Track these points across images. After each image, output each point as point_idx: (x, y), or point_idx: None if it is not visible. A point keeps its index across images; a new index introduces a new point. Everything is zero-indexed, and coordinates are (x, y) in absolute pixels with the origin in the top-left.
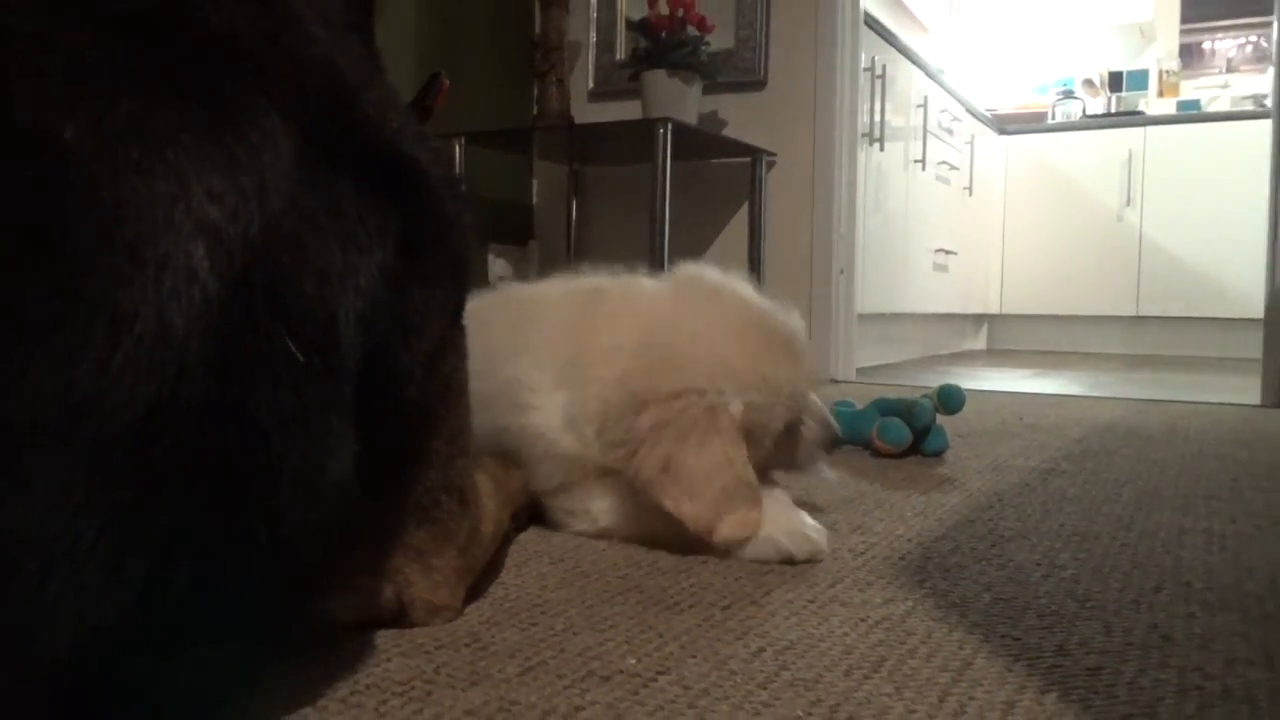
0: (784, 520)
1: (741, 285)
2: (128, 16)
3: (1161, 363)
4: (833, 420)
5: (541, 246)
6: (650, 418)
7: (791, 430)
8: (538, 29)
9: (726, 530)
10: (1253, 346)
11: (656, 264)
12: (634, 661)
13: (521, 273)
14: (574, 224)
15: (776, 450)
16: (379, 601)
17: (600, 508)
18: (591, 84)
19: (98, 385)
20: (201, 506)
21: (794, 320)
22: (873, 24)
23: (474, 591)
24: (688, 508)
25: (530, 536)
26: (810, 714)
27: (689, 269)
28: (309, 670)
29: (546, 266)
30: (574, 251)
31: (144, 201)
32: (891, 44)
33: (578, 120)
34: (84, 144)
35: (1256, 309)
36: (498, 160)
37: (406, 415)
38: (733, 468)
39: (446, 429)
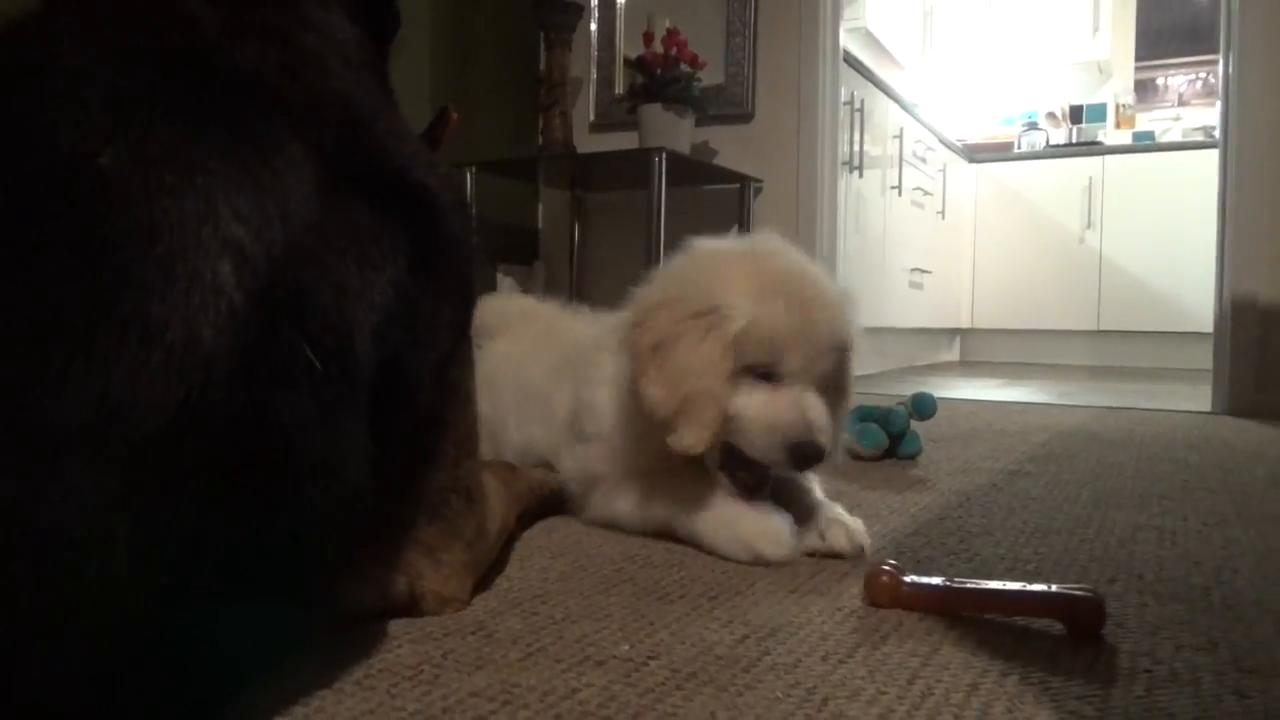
0: (760, 523)
1: (793, 251)
2: (161, 53)
3: (1120, 373)
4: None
5: (546, 266)
6: (660, 313)
7: (788, 379)
8: (542, 66)
9: (685, 436)
10: (1204, 358)
11: None
12: (627, 647)
13: (528, 291)
14: (576, 246)
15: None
16: (392, 592)
17: (624, 501)
18: (592, 116)
19: (131, 390)
20: (227, 503)
21: (829, 285)
22: (852, 62)
23: (481, 584)
24: (656, 391)
25: (534, 534)
26: (789, 695)
27: (762, 236)
28: (326, 653)
29: (551, 285)
30: (576, 271)
31: (175, 221)
32: (869, 80)
33: (580, 150)
34: (120, 168)
35: (1207, 324)
36: (506, 187)
37: (417, 420)
38: (709, 376)
39: (454, 433)
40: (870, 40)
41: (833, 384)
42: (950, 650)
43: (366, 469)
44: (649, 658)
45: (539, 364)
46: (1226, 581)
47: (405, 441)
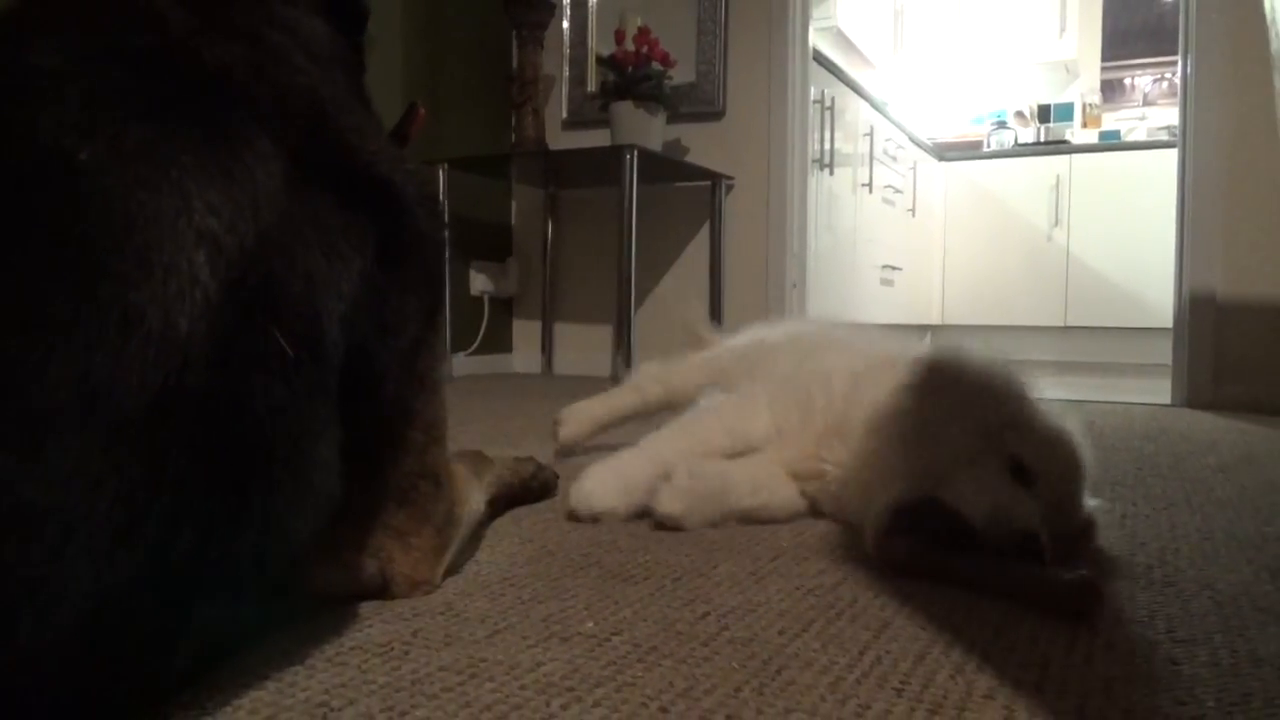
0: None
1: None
2: (134, 53)
3: (1086, 368)
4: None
5: (519, 263)
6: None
7: None
8: (514, 64)
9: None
10: (1166, 353)
11: (624, 278)
12: (591, 625)
13: (501, 287)
14: (550, 242)
15: None
16: (363, 576)
17: None
18: (565, 114)
19: (111, 375)
20: (203, 482)
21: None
22: (822, 60)
23: (451, 569)
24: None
25: (503, 523)
26: (745, 666)
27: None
28: (297, 633)
29: (524, 282)
30: (550, 268)
31: (152, 214)
32: (840, 78)
33: (552, 147)
34: (99, 164)
35: (1170, 319)
36: (479, 184)
37: (385, 407)
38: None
39: (422, 420)
40: (841, 39)
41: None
42: (902, 623)
43: (336, 452)
44: (612, 634)
45: None
46: (1169, 561)
47: (374, 428)
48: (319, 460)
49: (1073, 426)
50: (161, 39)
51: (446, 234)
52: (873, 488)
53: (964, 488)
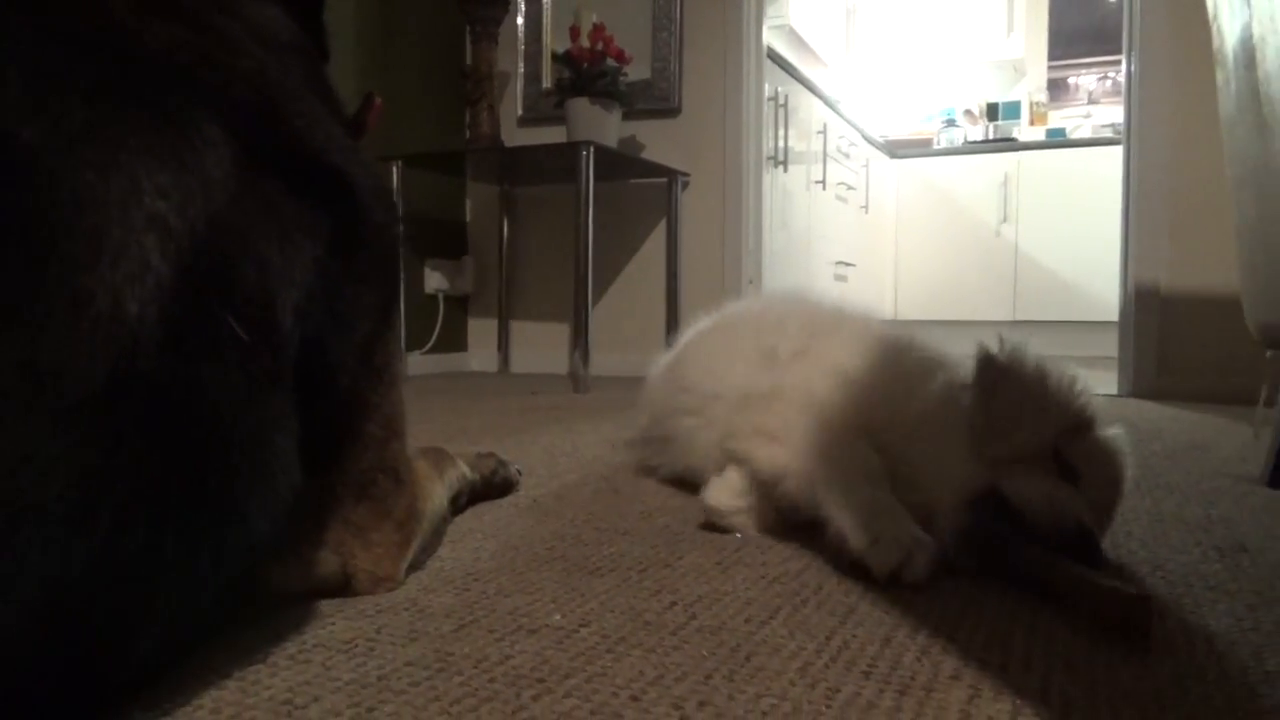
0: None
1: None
2: (76, 35)
3: None
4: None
5: (475, 260)
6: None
7: None
8: (468, 59)
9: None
10: (1111, 346)
11: (581, 275)
12: (559, 617)
13: (456, 285)
14: (505, 239)
15: None
16: (324, 572)
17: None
18: (520, 111)
19: (58, 359)
20: (159, 469)
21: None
22: (776, 58)
23: (414, 565)
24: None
25: (465, 518)
26: (714, 654)
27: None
28: (260, 631)
29: (480, 279)
30: (506, 265)
31: (101, 196)
32: (793, 76)
33: (507, 144)
34: (44, 144)
35: (1112, 313)
36: (433, 181)
37: (341, 401)
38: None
39: (380, 415)
40: (794, 38)
41: None
42: (867, 609)
43: (294, 443)
44: (580, 625)
45: None
46: (1122, 544)
47: (331, 422)
48: (278, 450)
49: (1121, 435)
50: (103, 20)
51: (401, 228)
52: (933, 480)
53: (1018, 483)
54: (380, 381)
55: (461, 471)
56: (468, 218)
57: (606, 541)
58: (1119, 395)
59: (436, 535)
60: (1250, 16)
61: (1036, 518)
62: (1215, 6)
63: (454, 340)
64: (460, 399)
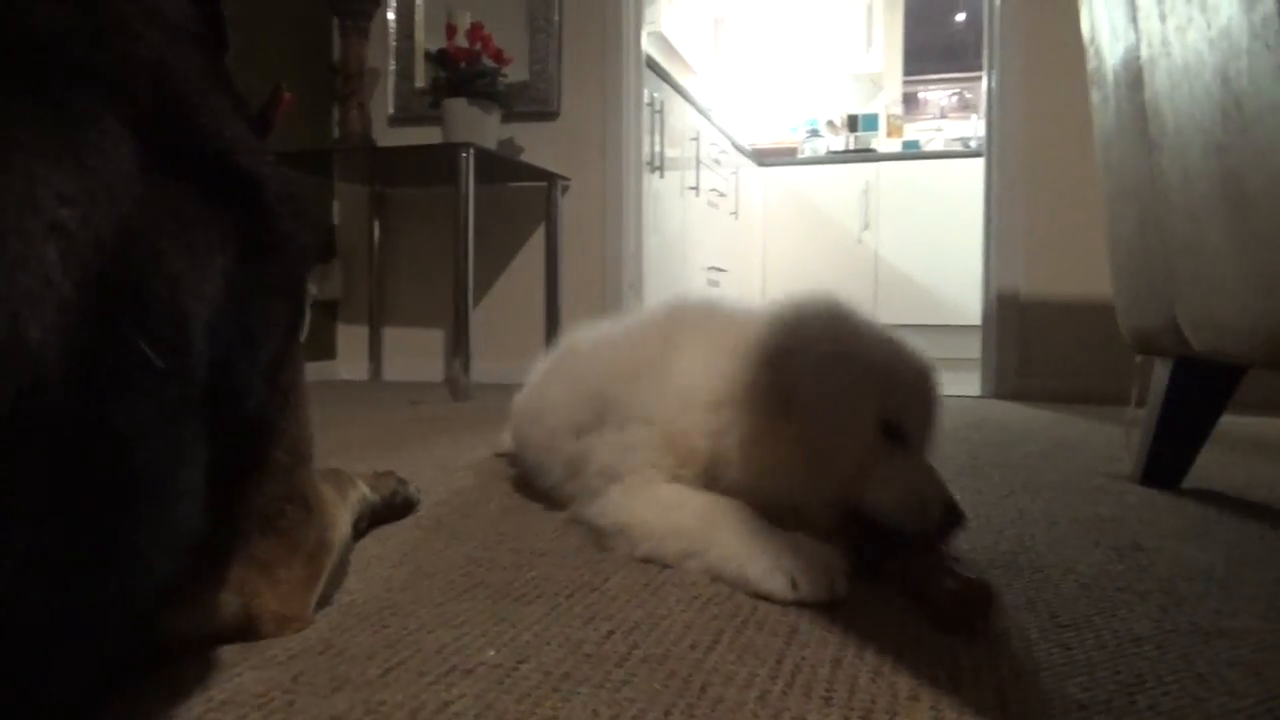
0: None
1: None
2: None
3: None
4: None
5: (344, 264)
6: (791, 356)
7: None
8: (336, 55)
9: (820, 489)
10: (968, 348)
11: (461, 280)
12: (493, 653)
13: (324, 290)
14: (377, 242)
15: None
16: (225, 616)
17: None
18: (392, 109)
19: None
20: (57, 516)
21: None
22: (651, 64)
23: (321, 599)
24: (776, 450)
25: (367, 544)
26: (666, 686)
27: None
28: (158, 690)
29: (349, 283)
30: (377, 269)
31: None
32: (668, 82)
33: (379, 143)
34: None
35: (971, 317)
36: (299, 181)
37: (247, 426)
38: (849, 432)
39: (288, 439)
40: (664, 44)
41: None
42: (808, 628)
43: (203, 477)
44: (518, 662)
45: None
46: (1029, 547)
47: (236, 450)
48: (186, 488)
49: (909, 344)
50: None
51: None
52: (790, 513)
53: (872, 498)
54: (287, 403)
55: (362, 493)
56: (336, 220)
57: (526, 564)
58: (983, 396)
59: (342, 566)
60: (1137, 40)
61: (903, 525)
62: (1093, 30)
63: (322, 348)
64: (335, 410)
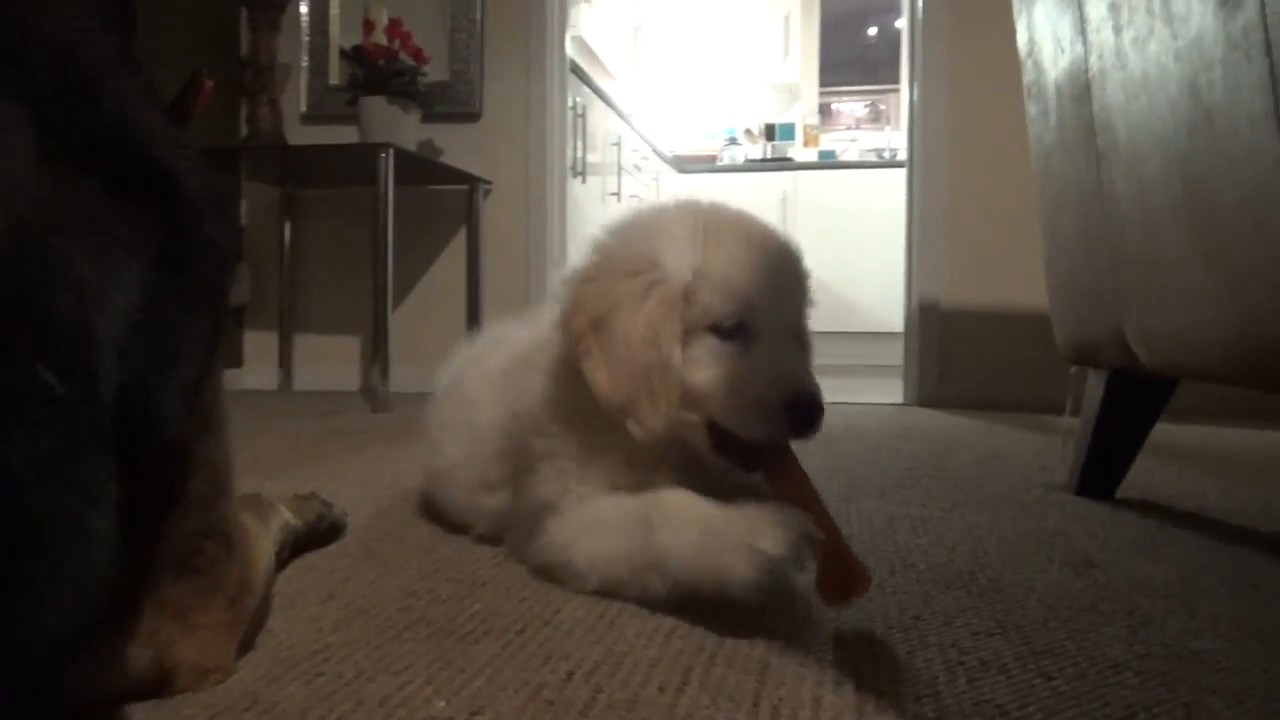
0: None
1: (735, 210)
2: None
3: (821, 371)
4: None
5: (252, 268)
6: (594, 283)
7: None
8: (245, 48)
9: (645, 419)
10: (887, 355)
11: (380, 285)
12: (444, 704)
13: (230, 294)
14: (287, 245)
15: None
16: (135, 670)
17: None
18: (304, 107)
19: None
20: None
21: (780, 231)
22: (574, 67)
23: (243, 644)
24: (601, 375)
25: (291, 575)
26: None
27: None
28: None
29: (258, 288)
30: (288, 273)
31: None
32: (590, 87)
33: (290, 142)
34: None
35: (889, 324)
36: (220, 179)
37: (162, 456)
38: (659, 343)
39: (207, 468)
40: (584, 48)
41: (797, 342)
42: (778, 664)
43: (112, 522)
44: (471, 713)
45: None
46: (984, 565)
47: (149, 484)
48: (94, 534)
49: (756, 235)
50: None
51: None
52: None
53: (711, 401)
54: (206, 428)
55: (285, 519)
56: (243, 220)
57: (468, 595)
58: (905, 404)
59: (265, 604)
60: (1085, 52)
61: (750, 432)
62: (1031, 43)
63: (227, 355)
64: (244, 422)
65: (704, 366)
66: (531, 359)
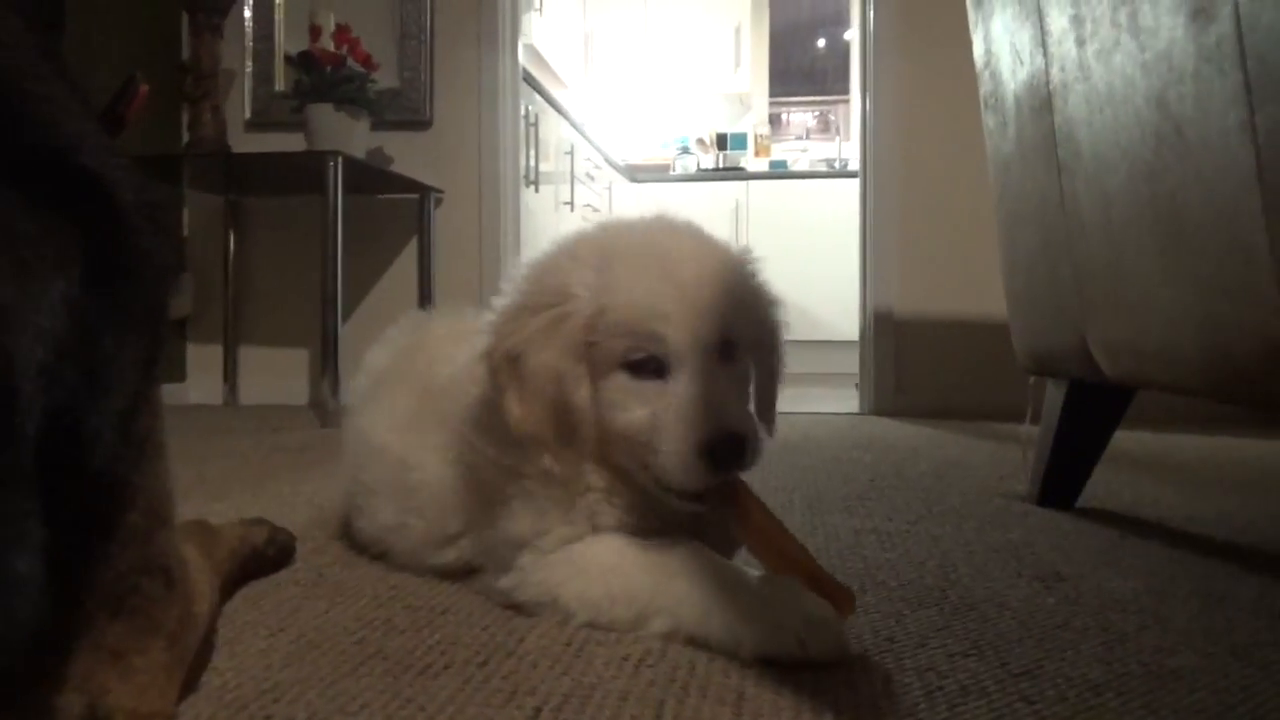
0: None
1: (674, 221)
2: None
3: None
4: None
5: (194, 279)
6: (506, 321)
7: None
8: (186, 53)
9: (562, 458)
10: (840, 364)
11: (330, 295)
12: None
13: (172, 306)
14: (232, 255)
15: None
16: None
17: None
18: (248, 114)
19: None
20: None
21: (709, 244)
22: (526, 75)
23: (184, 686)
24: (515, 411)
25: (237, 607)
26: None
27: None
28: None
29: (202, 299)
30: (233, 283)
31: None
32: (543, 95)
33: (234, 149)
34: None
35: (843, 333)
36: (157, 188)
37: (93, 488)
38: (564, 380)
39: (143, 499)
40: (535, 56)
41: (757, 356)
42: (754, 693)
43: (39, 564)
44: None
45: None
46: (954, 580)
47: (79, 519)
48: (14, 577)
49: (669, 257)
50: None
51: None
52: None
53: (646, 459)
54: (143, 455)
55: (231, 547)
56: (185, 230)
57: (426, 625)
58: (862, 413)
59: (208, 640)
60: (1046, 64)
61: (683, 484)
62: (989, 55)
63: (169, 369)
64: (188, 440)
65: (618, 408)
66: (451, 396)
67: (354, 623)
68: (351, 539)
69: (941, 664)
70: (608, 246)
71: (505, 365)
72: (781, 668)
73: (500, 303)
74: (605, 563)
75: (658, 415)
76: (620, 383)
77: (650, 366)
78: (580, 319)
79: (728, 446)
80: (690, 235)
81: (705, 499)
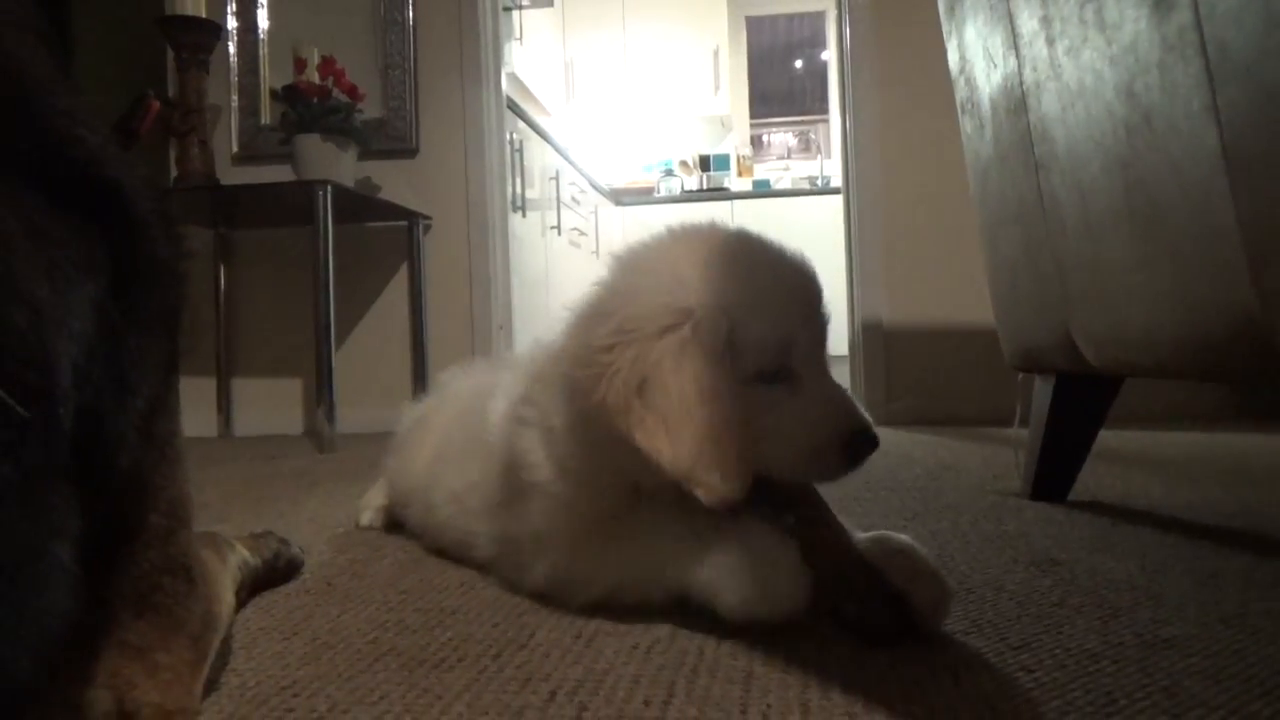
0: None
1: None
2: None
3: None
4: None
5: (185, 312)
6: (616, 350)
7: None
8: (172, 89)
9: (719, 486)
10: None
11: (322, 324)
12: None
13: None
14: (223, 288)
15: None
16: (96, 714)
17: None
18: (235, 147)
19: None
20: None
21: (795, 252)
22: (510, 103)
23: (206, 684)
24: (663, 444)
25: (250, 615)
26: None
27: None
28: None
29: (193, 332)
30: (224, 316)
31: None
32: (527, 122)
33: (223, 182)
34: None
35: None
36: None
37: (118, 487)
38: (716, 405)
39: (165, 499)
40: (517, 85)
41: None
42: (762, 672)
43: (74, 555)
44: None
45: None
46: (952, 568)
47: (105, 516)
48: (55, 568)
49: (766, 265)
50: None
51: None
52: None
53: (763, 455)
54: (164, 457)
55: (242, 557)
56: None
57: (437, 624)
58: None
59: (226, 642)
60: (1018, 65)
61: (808, 477)
62: (963, 62)
63: None
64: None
65: (755, 417)
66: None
67: (366, 625)
68: (357, 552)
69: (944, 642)
70: (710, 262)
71: (633, 397)
72: (789, 644)
73: (576, 343)
74: (614, 532)
75: (797, 418)
76: (757, 393)
77: (780, 375)
78: (719, 335)
79: (866, 438)
80: (772, 242)
81: (787, 503)
